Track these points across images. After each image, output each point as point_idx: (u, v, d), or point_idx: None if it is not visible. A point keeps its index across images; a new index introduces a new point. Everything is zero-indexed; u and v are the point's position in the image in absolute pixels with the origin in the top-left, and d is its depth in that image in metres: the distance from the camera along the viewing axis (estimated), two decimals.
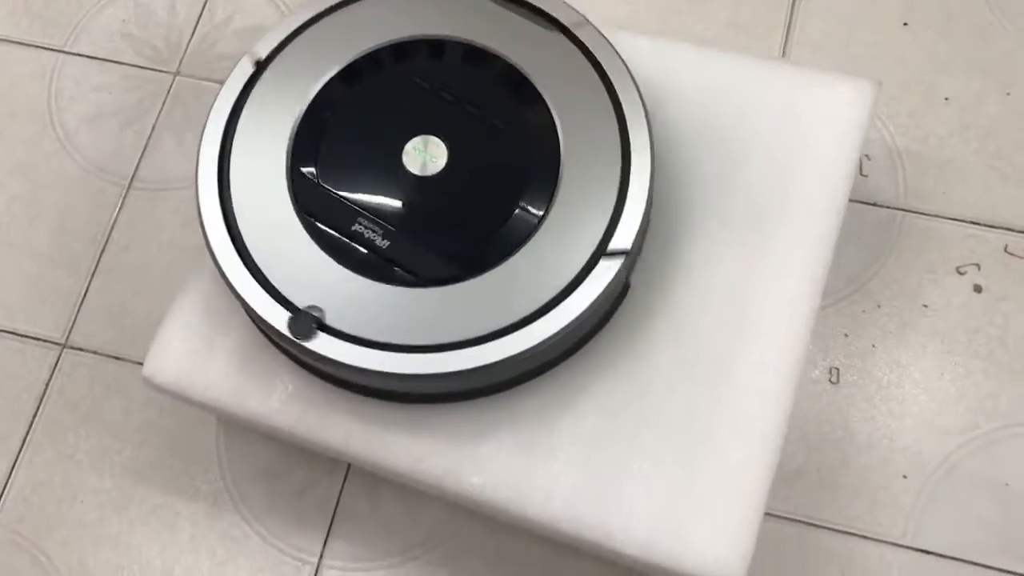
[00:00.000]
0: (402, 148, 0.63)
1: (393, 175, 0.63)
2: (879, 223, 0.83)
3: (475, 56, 0.66)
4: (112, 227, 0.89)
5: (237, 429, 0.81)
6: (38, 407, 0.84)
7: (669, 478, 0.62)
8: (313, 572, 0.77)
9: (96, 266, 0.88)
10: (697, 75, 0.70)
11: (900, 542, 0.73)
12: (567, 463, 0.62)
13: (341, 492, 0.78)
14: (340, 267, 0.61)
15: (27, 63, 0.97)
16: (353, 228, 0.61)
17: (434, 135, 0.63)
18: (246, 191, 0.63)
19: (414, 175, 0.63)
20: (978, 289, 0.80)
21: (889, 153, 0.85)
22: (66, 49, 0.97)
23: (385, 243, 0.61)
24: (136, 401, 0.83)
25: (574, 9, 0.66)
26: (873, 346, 0.79)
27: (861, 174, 0.84)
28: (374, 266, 0.61)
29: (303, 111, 0.65)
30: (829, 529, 0.74)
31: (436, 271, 0.60)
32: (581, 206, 0.61)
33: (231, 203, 0.63)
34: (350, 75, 0.66)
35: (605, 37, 0.65)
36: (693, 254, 0.66)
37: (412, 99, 0.65)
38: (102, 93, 0.95)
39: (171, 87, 0.94)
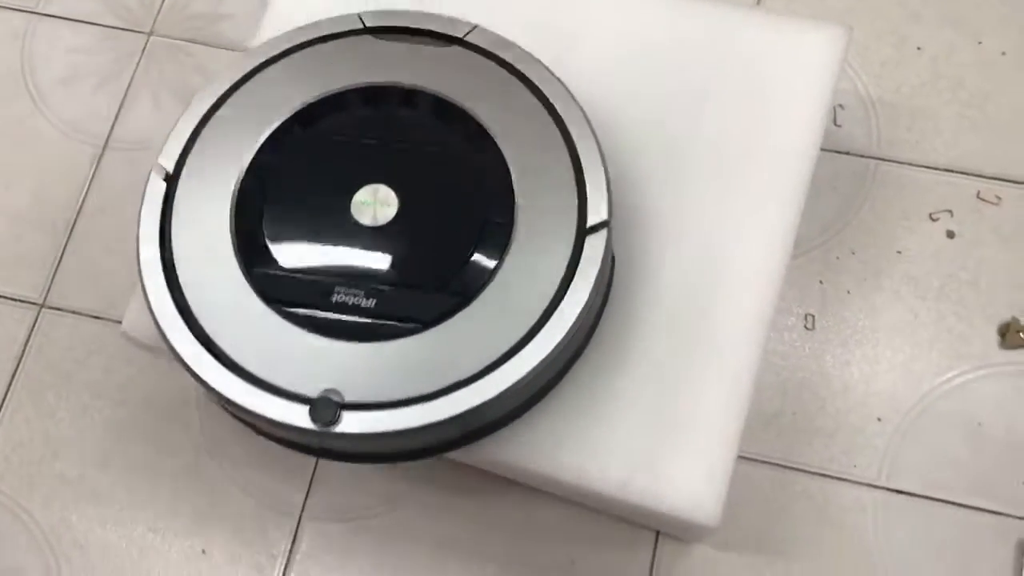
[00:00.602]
0: (349, 205, 0.60)
1: (352, 234, 0.60)
2: (853, 172, 0.83)
3: (390, 97, 0.64)
4: (88, 188, 0.89)
5: None
6: (17, 366, 0.84)
7: (645, 420, 0.62)
8: (295, 524, 0.77)
9: (73, 227, 0.88)
10: (667, 24, 0.70)
11: (875, 483, 0.74)
12: (546, 410, 0.63)
13: None
14: (337, 341, 0.58)
15: None
16: (333, 299, 0.58)
17: (377, 183, 0.61)
18: (213, 313, 0.59)
19: (370, 227, 0.60)
20: (951, 235, 0.81)
21: (862, 103, 0.85)
22: (39, 11, 0.96)
23: (371, 302, 0.58)
24: (116, 360, 0.83)
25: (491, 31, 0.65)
26: (848, 292, 0.79)
27: (835, 124, 0.85)
28: (367, 328, 0.58)
29: (234, 204, 0.62)
30: (805, 471, 0.75)
31: (435, 308, 0.58)
32: (544, 200, 0.60)
33: (203, 329, 0.59)
34: (263, 166, 0.63)
35: (538, 60, 0.64)
36: (665, 204, 0.66)
37: (341, 157, 0.63)
38: (76, 54, 0.94)
39: (145, 47, 0.94)
